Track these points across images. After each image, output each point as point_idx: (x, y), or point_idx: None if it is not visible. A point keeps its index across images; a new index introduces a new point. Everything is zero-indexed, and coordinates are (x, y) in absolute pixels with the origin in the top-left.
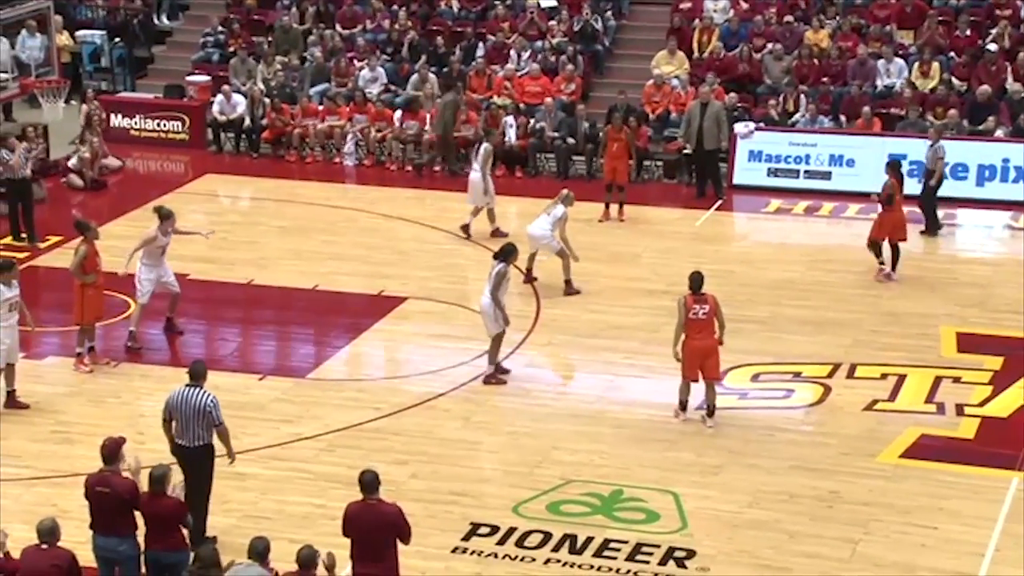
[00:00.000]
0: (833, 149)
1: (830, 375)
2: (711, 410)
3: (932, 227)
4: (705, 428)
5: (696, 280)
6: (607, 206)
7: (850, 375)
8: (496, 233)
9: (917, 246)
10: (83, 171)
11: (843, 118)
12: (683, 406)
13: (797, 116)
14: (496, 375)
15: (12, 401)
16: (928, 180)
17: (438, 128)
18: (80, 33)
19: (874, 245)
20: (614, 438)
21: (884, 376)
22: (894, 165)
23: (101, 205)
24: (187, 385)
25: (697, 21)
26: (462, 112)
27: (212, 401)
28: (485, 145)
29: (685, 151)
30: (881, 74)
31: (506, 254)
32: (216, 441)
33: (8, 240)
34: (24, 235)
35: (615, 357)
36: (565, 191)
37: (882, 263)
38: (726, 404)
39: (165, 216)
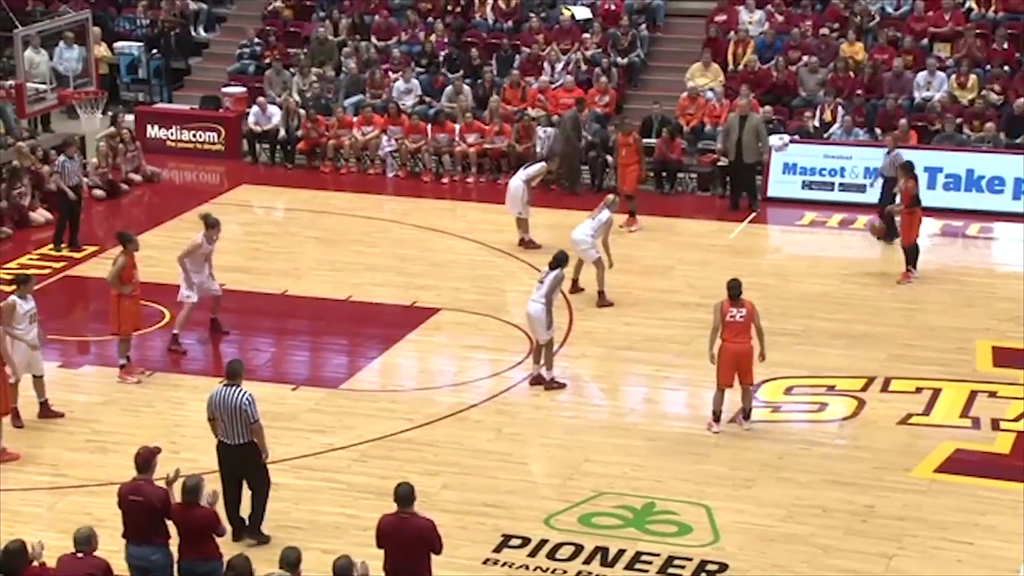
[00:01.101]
0: (868, 162)
1: (864, 388)
2: (747, 413)
3: (890, 235)
4: (741, 430)
5: (734, 287)
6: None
7: (884, 389)
8: (528, 244)
9: (954, 259)
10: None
11: (878, 131)
12: (716, 417)
13: (833, 129)
14: (556, 380)
15: (46, 411)
16: (890, 189)
17: (558, 144)
18: (118, 45)
19: (912, 249)
20: (647, 450)
21: (919, 390)
22: (908, 167)
23: (137, 215)
24: (224, 384)
25: (732, 33)
26: (585, 128)
27: (248, 399)
28: (543, 164)
29: (720, 163)
30: (919, 87)
31: (560, 262)
32: None
33: (47, 248)
34: (64, 244)
35: (648, 369)
36: (611, 196)
37: (910, 269)
38: (759, 417)
39: (211, 224)
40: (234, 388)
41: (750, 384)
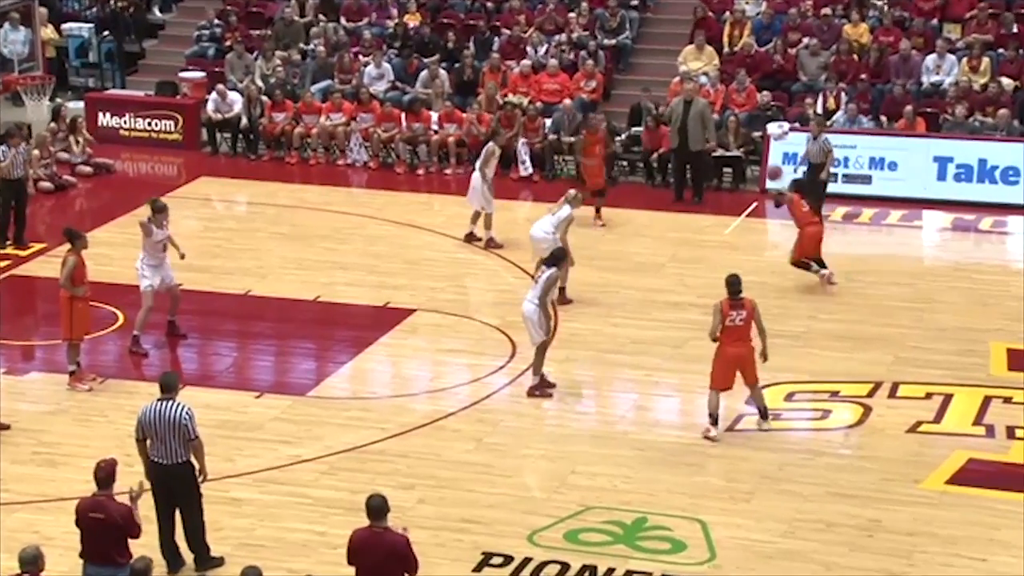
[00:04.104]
0: (873, 151)
1: (870, 394)
2: (764, 412)
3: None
4: (761, 430)
5: (733, 284)
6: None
7: (892, 394)
8: (490, 243)
9: (966, 256)
10: (53, 175)
11: (884, 118)
12: (714, 420)
13: (836, 116)
14: (542, 387)
15: None
16: (817, 175)
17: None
18: (66, 26)
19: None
20: (637, 461)
21: (929, 395)
22: (798, 185)
23: (88, 210)
24: (159, 399)
25: (728, 14)
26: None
27: (187, 413)
28: (489, 144)
29: (715, 153)
30: (928, 71)
31: (557, 259)
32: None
33: None
34: (10, 241)
35: (638, 374)
36: (572, 191)
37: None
38: (755, 426)
39: (159, 209)
40: (170, 402)
41: (756, 383)
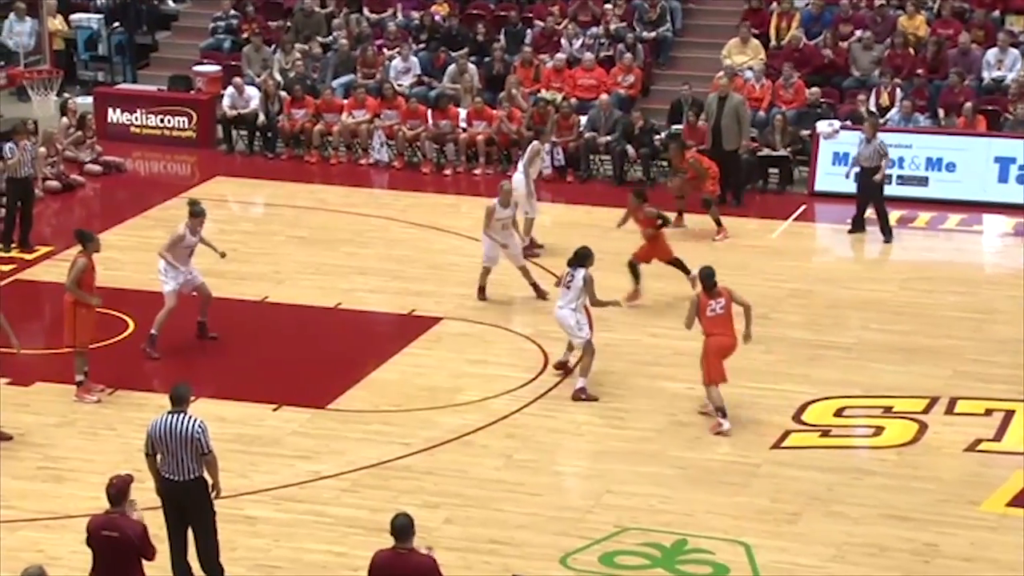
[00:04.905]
0: (930, 151)
1: (926, 410)
2: (724, 412)
3: (857, 226)
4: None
5: (708, 277)
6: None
7: (949, 411)
8: (531, 247)
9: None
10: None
11: (941, 116)
12: (724, 414)
13: (890, 114)
14: (587, 391)
15: None
16: (870, 178)
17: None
18: (75, 17)
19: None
20: (677, 480)
21: (989, 412)
22: (638, 193)
23: (97, 211)
24: (169, 412)
25: (775, 5)
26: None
27: (200, 426)
28: (533, 143)
29: (760, 153)
30: (988, 66)
31: (583, 258)
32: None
33: None
34: (15, 243)
35: (678, 388)
36: (502, 183)
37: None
38: (806, 443)
39: (197, 213)
40: (181, 415)
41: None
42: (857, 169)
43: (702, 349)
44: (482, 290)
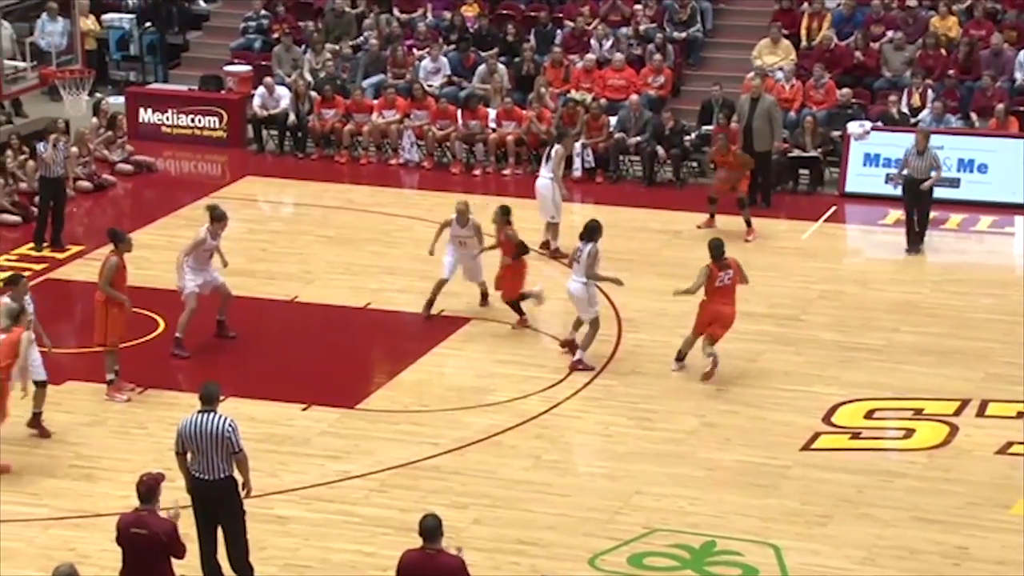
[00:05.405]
0: (962, 152)
1: (957, 413)
2: (681, 357)
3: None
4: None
5: (717, 247)
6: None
7: (980, 413)
8: (556, 253)
9: None
10: (92, 174)
11: (974, 117)
12: (680, 357)
13: (921, 115)
14: (584, 362)
15: (37, 423)
16: (917, 188)
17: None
18: (107, 17)
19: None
20: (706, 481)
21: (1020, 415)
22: (503, 211)
23: (128, 211)
24: (200, 411)
25: (806, 5)
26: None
27: (230, 425)
28: (557, 147)
29: (791, 154)
30: (1021, 67)
31: (592, 231)
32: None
33: (28, 247)
34: (47, 243)
35: (707, 389)
36: (458, 203)
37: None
38: (836, 445)
39: (217, 217)
40: (211, 414)
41: (717, 340)
42: (902, 180)
43: (698, 309)
44: (430, 304)
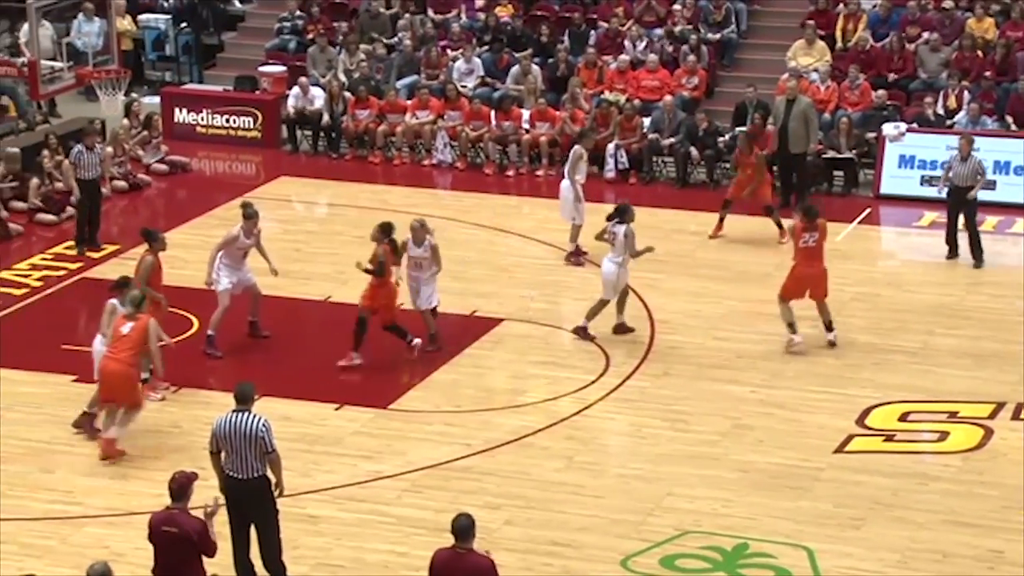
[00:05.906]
0: (998, 155)
1: (992, 415)
2: (829, 325)
3: (977, 253)
4: (827, 340)
5: (809, 208)
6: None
7: (1016, 416)
8: (575, 255)
9: None
10: (127, 174)
11: (1010, 119)
12: (793, 328)
13: (957, 116)
14: (586, 330)
15: (86, 422)
16: (962, 197)
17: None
18: (143, 17)
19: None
20: (739, 483)
21: None
22: (386, 228)
23: (163, 211)
24: (234, 410)
25: (841, 6)
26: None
27: (264, 425)
28: (575, 148)
29: (824, 156)
30: None
31: (622, 212)
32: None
33: (64, 247)
34: (85, 243)
35: (741, 391)
36: (413, 222)
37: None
38: (870, 447)
39: (250, 215)
40: (245, 414)
41: (824, 297)
42: (947, 187)
43: (789, 273)
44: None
